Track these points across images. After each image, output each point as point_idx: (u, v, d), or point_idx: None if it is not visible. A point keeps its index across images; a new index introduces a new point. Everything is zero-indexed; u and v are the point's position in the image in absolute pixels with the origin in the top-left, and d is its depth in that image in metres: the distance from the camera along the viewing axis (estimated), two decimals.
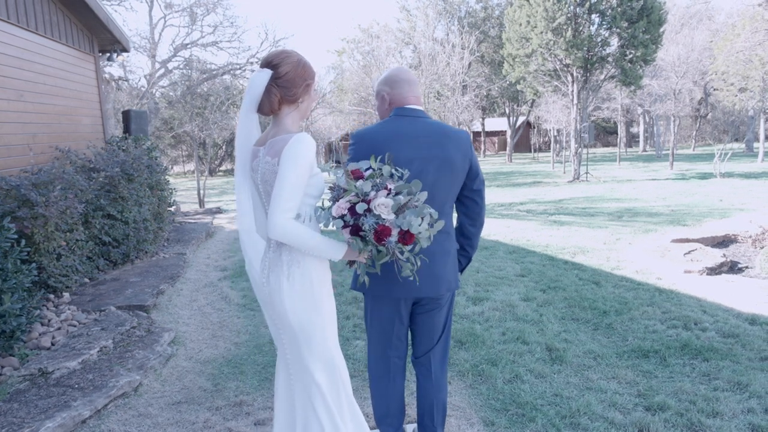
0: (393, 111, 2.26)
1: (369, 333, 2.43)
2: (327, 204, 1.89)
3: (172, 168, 29.57)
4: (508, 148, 32.50)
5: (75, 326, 4.17)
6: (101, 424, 2.88)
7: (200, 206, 13.02)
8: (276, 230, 1.81)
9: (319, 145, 31.99)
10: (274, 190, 1.84)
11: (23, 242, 3.91)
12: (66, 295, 4.82)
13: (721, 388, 3.08)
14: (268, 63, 1.99)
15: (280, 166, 1.85)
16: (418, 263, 1.88)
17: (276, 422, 2.15)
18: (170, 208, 8.55)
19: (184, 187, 20.20)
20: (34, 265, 3.95)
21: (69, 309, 4.48)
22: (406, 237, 1.76)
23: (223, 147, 28.48)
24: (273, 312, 2.01)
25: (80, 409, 2.88)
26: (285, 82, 1.97)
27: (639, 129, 39.00)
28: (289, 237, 1.82)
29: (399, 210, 1.79)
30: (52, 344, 3.83)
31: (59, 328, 4.08)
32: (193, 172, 27.90)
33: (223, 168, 30.70)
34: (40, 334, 3.92)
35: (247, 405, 3.06)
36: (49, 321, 4.18)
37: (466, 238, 2.41)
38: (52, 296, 4.72)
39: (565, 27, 16.64)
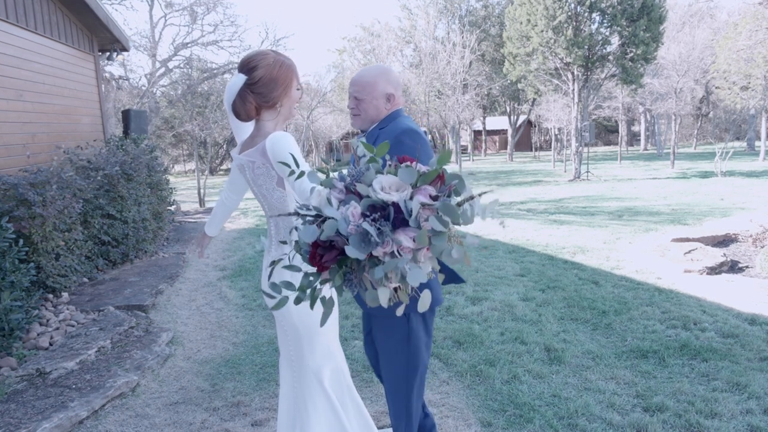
0: (398, 111, 2.15)
1: (425, 346, 2.14)
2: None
3: (173, 167, 29.57)
4: (509, 147, 32.49)
5: (73, 326, 4.17)
6: (98, 425, 2.87)
7: (200, 205, 13.01)
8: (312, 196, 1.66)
9: (320, 144, 31.98)
10: (290, 177, 1.75)
11: (21, 242, 3.91)
12: (65, 295, 4.81)
13: (720, 388, 3.06)
14: (242, 67, 1.91)
15: (274, 159, 1.82)
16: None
17: (279, 422, 2.15)
18: (170, 208, 8.54)
19: (185, 186, 20.20)
20: (32, 264, 3.95)
21: (67, 309, 4.48)
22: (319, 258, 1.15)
23: (224, 146, 28.46)
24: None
25: (77, 410, 2.88)
26: (260, 87, 1.88)
27: (640, 128, 38.94)
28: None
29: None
30: (50, 344, 3.82)
31: (57, 328, 4.08)
32: (194, 171, 27.90)
33: (223, 167, 30.68)
34: (38, 334, 3.92)
35: (244, 405, 3.05)
36: (48, 321, 4.18)
37: None
38: (50, 296, 4.72)
39: (565, 25, 16.60)
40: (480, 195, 1.16)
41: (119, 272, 5.81)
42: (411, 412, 2.23)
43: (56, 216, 4.65)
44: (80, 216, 5.26)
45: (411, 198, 1.13)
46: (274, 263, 1.38)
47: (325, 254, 1.15)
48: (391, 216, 1.11)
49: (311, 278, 1.21)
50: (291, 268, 1.24)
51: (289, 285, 1.20)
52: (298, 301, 1.21)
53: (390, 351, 2.14)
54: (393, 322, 2.09)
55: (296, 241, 1.24)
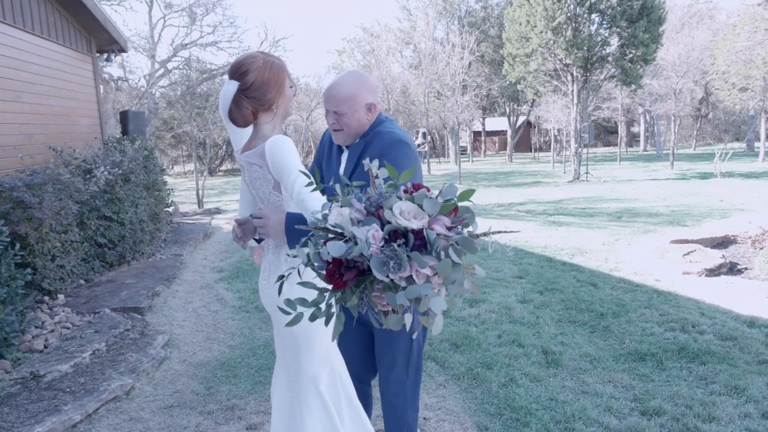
0: (379, 118, 2.11)
1: (420, 352, 2.23)
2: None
3: (172, 168, 29.54)
4: (508, 148, 32.46)
5: (68, 329, 4.15)
6: (92, 429, 2.85)
7: (199, 206, 12.98)
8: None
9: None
10: (288, 184, 1.79)
11: (17, 246, 3.88)
12: (61, 297, 4.79)
13: (718, 392, 3.05)
14: (233, 73, 1.89)
15: (273, 170, 1.83)
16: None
17: (273, 426, 2.13)
18: (168, 209, 8.52)
19: (184, 187, 20.17)
20: (26, 265, 3.93)
21: (63, 311, 4.46)
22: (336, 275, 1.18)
23: (223, 147, 28.45)
24: (274, 314, 2.00)
25: (71, 414, 2.86)
26: (254, 91, 1.86)
27: (639, 129, 38.95)
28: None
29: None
30: (45, 347, 3.80)
31: (52, 331, 4.06)
32: (193, 172, 27.87)
33: (223, 168, 30.66)
34: (33, 337, 3.90)
35: (239, 409, 3.03)
36: (43, 323, 4.16)
37: None
38: (46, 298, 4.70)
39: (564, 26, 16.59)
40: (493, 233, 1.21)
41: (116, 274, 5.79)
42: (410, 417, 2.22)
43: (52, 218, 4.63)
44: (76, 217, 5.24)
45: (429, 226, 1.17)
46: (282, 277, 1.38)
47: (346, 273, 1.18)
48: (411, 242, 1.15)
49: (325, 294, 1.22)
50: (306, 284, 1.25)
51: (303, 302, 1.21)
52: (313, 318, 1.23)
53: (392, 358, 2.16)
54: (396, 332, 2.10)
55: (308, 255, 1.25)
